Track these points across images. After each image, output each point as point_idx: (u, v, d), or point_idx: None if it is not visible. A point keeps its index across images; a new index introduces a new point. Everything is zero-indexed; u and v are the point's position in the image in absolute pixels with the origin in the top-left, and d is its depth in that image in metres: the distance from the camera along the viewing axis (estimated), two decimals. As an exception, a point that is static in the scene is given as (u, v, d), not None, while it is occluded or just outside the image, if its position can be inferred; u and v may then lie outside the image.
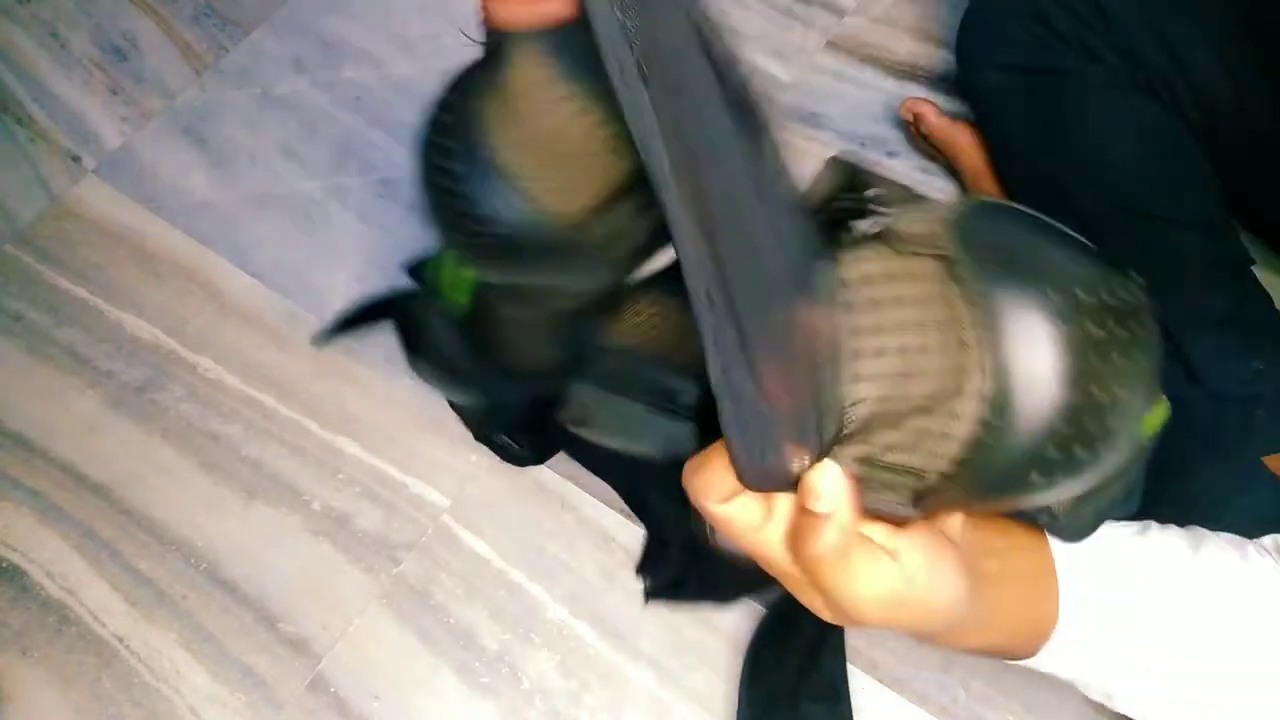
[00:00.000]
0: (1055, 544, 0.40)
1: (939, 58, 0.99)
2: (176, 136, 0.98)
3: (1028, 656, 0.40)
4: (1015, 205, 0.32)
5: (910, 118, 0.90)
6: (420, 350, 0.62)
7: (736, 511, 0.31)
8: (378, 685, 0.71)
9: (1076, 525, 0.35)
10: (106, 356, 0.85)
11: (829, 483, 0.29)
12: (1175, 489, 0.62)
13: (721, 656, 0.71)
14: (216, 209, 0.94)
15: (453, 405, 0.79)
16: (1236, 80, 0.71)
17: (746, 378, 0.28)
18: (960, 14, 0.87)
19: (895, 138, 0.95)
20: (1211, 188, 0.75)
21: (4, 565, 0.76)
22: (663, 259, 0.47)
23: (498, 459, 0.79)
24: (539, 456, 0.78)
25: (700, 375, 0.29)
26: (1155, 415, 0.31)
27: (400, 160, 0.96)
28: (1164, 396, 0.30)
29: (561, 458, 0.78)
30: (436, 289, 0.54)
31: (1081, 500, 0.33)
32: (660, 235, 0.44)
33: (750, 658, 0.70)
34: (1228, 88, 0.71)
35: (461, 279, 0.52)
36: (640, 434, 0.49)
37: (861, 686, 0.70)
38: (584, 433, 0.52)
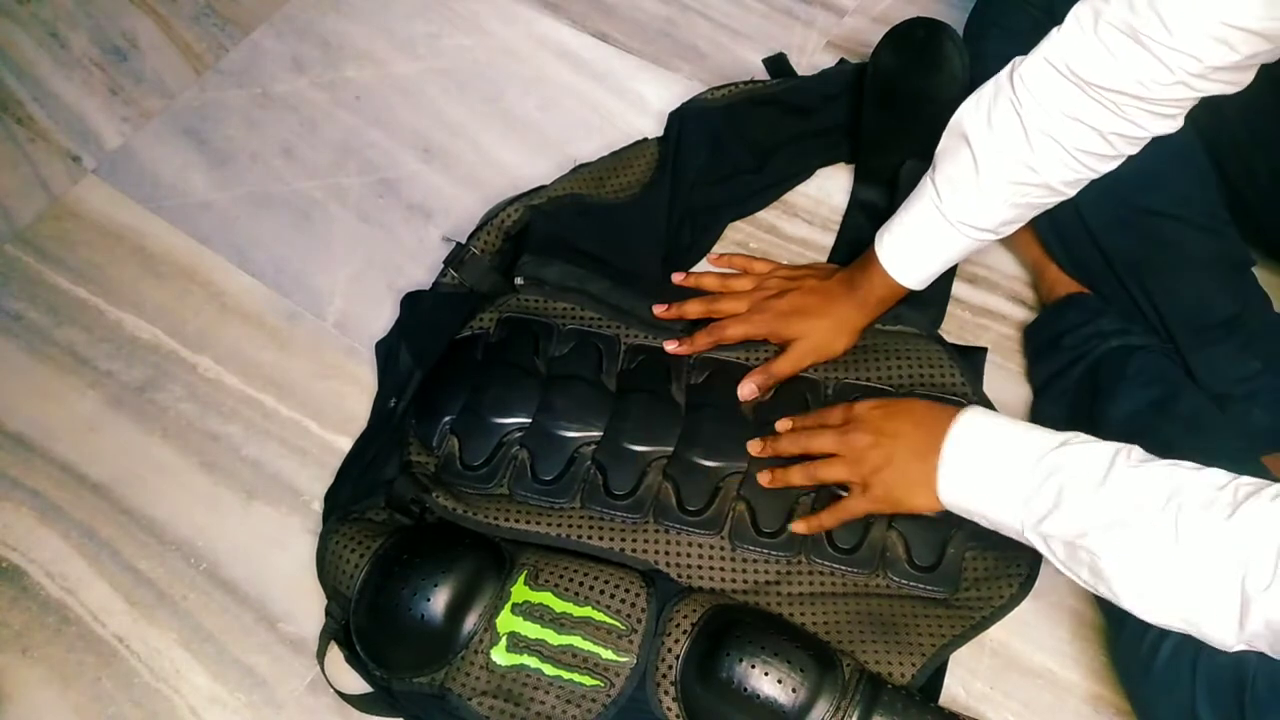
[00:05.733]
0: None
1: (939, 58, 0.99)
2: (176, 136, 0.99)
3: None
4: None
5: None
6: None
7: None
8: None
9: None
10: (106, 356, 0.85)
11: None
12: None
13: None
14: (216, 209, 0.94)
15: None
16: None
17: None
18: (958, 15, 0.87)
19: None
20: (1215, 188, 0.75)
21: (4, 565, 0.76)
22: None
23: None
24: None
25: None
26: None
27: (400, 160, 0.96)
28: None
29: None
30: None
31: None
32: None
33: None
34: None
35: None
36: None
37: (861, 686, 0.70)
38: None
